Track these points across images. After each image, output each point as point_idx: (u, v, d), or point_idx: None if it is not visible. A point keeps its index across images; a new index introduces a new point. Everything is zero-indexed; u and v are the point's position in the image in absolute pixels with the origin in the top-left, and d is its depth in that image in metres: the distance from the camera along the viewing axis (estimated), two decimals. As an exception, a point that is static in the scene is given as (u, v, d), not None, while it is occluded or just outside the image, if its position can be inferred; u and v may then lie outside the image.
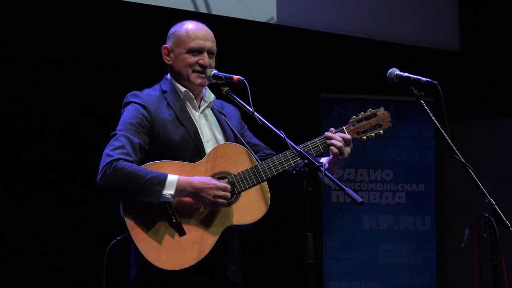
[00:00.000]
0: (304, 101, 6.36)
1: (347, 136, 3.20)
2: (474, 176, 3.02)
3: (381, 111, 3.30)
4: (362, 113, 3.29)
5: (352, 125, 3.26)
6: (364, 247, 6.26)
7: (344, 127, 3.25)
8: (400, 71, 3.21)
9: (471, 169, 3.04)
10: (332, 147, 3.17)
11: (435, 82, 3.11)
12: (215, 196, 3.02)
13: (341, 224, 6.23)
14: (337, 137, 3.18)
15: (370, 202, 6.28)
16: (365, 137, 3.27)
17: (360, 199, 2.77)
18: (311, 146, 3.17)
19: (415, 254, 6.33)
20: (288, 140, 3.01)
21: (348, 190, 2.78)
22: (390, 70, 3.23)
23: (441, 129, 3.10)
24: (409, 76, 3.16)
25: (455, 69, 6.68)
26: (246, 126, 3.41)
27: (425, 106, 3.15)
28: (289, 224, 5.95)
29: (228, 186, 3.06)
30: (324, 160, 3.24)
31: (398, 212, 6.34)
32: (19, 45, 5.00)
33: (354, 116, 3.28)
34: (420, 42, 6.47)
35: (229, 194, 3.05)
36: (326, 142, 3.19)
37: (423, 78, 3.13)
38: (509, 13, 6.70)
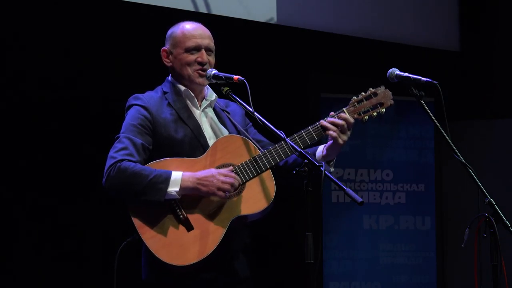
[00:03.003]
0: (304, 101, 6.35)
1: (341, 120, 3.16)
2: (474, 176, 3.02)
3: (381, 89, 3.25)
4: (363, 93, 3.25)
5: (353, 106, 3.22)
6: (364, 247, 6.26)
7: (344, 109, 3.21)
8: (400, 71, 3.21)
9: (471, 169, 3.04)
10: (330, 132, 3.15)
11: (435, 82, 3.11)
12: (219, 181, 3.02)
13: (341, 224, 6.23)
14: (331, 127, 3.15)
15: (370, 202, 6.28)
16: (366, 116, 3.22)
17: (360, 199, 2.77)
18: (305, 134, 3.16)
19: (415, 254, 6.34)
20: (288, 140, 3.02)
21: (348, 190, 2.78)
22: (390, 70, 3.23)
23: (441, 129, 3.10)
24: (409, 76, 3.16)
25: (455, 69, 6.68)
26: (250, 123, 3.41)
27: (425, 106, 3.15)
28: (289, 224, 5.95)
29: (232, 173, 3.06)
30: (321, 147, 3.23)
31: (398, 212, 6.34)
32: (18, 45, 5.00)
33: (354, 97, 3.24)
34: (420, 42, 6.47)
35: (234, 180, 3.04)
36: (320, 129, 3.16)
37: (423, 78, 3.13)
38: (509, 13, 6.70)
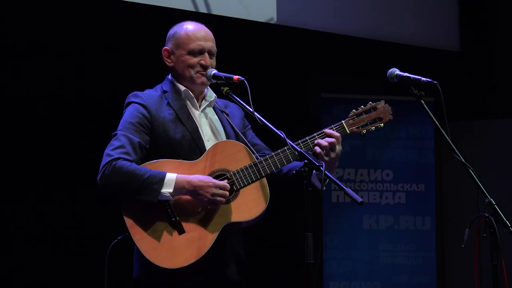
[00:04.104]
0: (304, 101, 6.35)
1: (330, 138, 3.16)
2: (474, 176, 3.02)
3: (381, 104, 3.26)
4: (362, 106, 3.25)
5: (352, 119, 3.23)
6: (364, 247, 6.26)
7: (343, 121, 3.22)
8: (400, 71, 3.21)
9: (471, 169, 3.04)
10: (316, 148, 3.15)
11: (435, 82, 3.11)
12: (213, 194, 3.02)
13: (341, 224, 6.23)
14: (323, 142, 3.14)
15: (370, 202, 6.28)
16: (365, 130, 3.23)
17: (360, 199, 2.77)
18: (302, 143, 3.16)
19: (415, 254, 6.33)
20: (288, 140, 3.01)
21: (348, 190, 2.78)
22: (390, 70, 3.23)
23: (441, 129, 3.10)
24: (409, 76, 3.16)
25: (455, 69, 6.68)
26: (249, 126, 3.41)
27: (425, 106, 3.15)
28: (289, 224, 5.95)
29: (227, 184, 3.07)
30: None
31: (398, 212, 6.34)
32: (19, 46, 5.00)
33: (354, 110, 3.24)
34: (420, 42, 6.47)
35: (227, 193, 3.05)
36: (309, 144, 3.15)
37: (423, 78, 3.13)
38: (509, 13, 6.70)
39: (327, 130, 3.17)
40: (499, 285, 2.99)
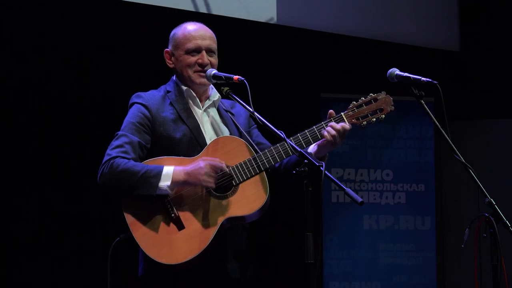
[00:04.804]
0: (304, 101, 6.36)
1: (347, 126, 3.16)
2: (474, 176, 3.02)
3: (382, 95, 3.24)
4: (362, 98, 3.23)
5: (352, 111, 3.21)
6: (364, 247, 6.26)
7: (342, 113, 3.20)
8: (400, 71, 3.21)
9: (471, 169, 3.04)
10: (326, 134, 3.14)
11: (435, 82, 3.11)
12: (207, 173, 3.01)
13: (341, 224, 6.23)
14: (332, 129, 3.14)
15: (370, 202, 6.28)
16: (365, 122, 3.20)
17: (360, 199, 2.77)
18: (309, 134, 3.16)
19: (415, 254, 6.34)
20: (288, 140, 3.02)
21: (348, 190, 2.78)
22: (390, 70, 3.23)
23: (441, 129, 3.10)
24: (409, 76, 3.16)
25: (455, 69, 6.68)
26: (255, 125, 3.41)
27: (425, 106, 3.15)
28: (289, 224, 5.95)
29: (222, 164, 3.05)
30: (311, 145, 3.21)
31: (398, 212, 6.34)
32: (19, 46, 5.01)
33: (354, 102, 3.23)
34: (420, 42, 6.47)
35: (222, 165, 3.04)
36: (316, 134, 3.14)
37: (423, 78, 3.13)
38: (509, 13, 6.70)
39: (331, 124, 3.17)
40: (499, 285, 2.99)
